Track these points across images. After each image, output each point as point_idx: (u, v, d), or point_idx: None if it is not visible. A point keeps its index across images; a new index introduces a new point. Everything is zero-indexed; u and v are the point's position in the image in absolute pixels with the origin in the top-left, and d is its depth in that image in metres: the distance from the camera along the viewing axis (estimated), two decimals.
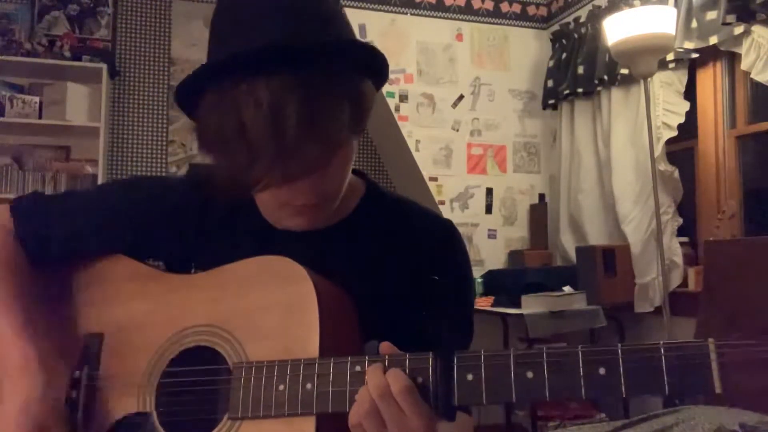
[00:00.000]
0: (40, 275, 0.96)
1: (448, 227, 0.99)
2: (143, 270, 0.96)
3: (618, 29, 2.66)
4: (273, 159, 0.74)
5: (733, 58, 2.94)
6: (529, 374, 0.69)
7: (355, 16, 3.71)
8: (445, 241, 0.98)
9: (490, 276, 3.55)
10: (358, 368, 0.76)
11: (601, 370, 0.67)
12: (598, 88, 3.40)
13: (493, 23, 3.99)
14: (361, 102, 0.80)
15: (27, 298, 0.92)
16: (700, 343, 0.64)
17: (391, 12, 3.79)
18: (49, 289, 0.96)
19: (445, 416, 0.72)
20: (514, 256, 3.84)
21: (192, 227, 0.96)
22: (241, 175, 0.77)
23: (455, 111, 3.88)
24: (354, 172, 0.99)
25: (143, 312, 0.93)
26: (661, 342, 0.65)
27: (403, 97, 3.78)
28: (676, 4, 2.89)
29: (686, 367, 0.64)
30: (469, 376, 0.71)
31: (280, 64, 0.74)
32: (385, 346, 0.76)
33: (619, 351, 0.66)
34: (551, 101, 3.75)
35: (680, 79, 3.04)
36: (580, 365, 0.67)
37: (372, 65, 0.83)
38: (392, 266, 0.93)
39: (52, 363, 0.88)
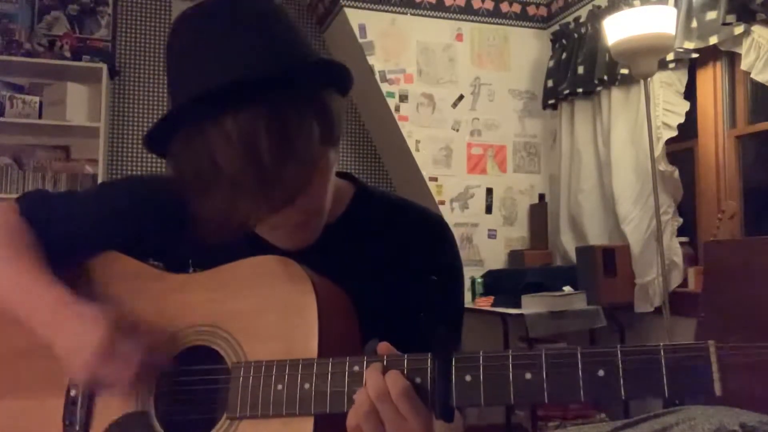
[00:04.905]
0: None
1: (438, 222, 1.00)
2: (142, 269, 0.97)
3: (618, 29, 2.66)
4: (255, 192, 0.74)
5: (733, 58, 2.94)
6: (528, 376, 0.69)
7: (355, 16, 3.71)
8: (434, 236, 0.98)
9: (490, 276, 3.55)
10: (356, 368, 0.76)
11: (600, 372, 0.66)
12: (598, 88, 3.39)
13: (493, 23, 3.99)
14: (328, 115, 0.80)
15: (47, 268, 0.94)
16: (701, 345, 0.63)
17: (391, 12, 3.78)
18: None
19: (443, 417, 0.72)
20: (514, 256, 3.84)
21: (189, 227, 0.96)
22: (227, 215, 0.76)
23: (455, 111, 3.87)
24: (342, 175, 1.00)
25: (142, 311, 0.93)
26: (661, 344, 0.65)
27: (403, 97, 3.78)
28: (676, 4, 2.88)
29: (686, 369, 0.64)
30: (468, 378, 0.71)
31: (242, 97, 0.74)
32: (383, 347, 0.76)
33: (619, 353, 0.66)
34: (551, 101, 3.74)
35: (680, 79, 3.03)
36: (579, 367, 0.67)
37: (332, 77, 0.83)
38: (384, 265, 0.94)
39: None
